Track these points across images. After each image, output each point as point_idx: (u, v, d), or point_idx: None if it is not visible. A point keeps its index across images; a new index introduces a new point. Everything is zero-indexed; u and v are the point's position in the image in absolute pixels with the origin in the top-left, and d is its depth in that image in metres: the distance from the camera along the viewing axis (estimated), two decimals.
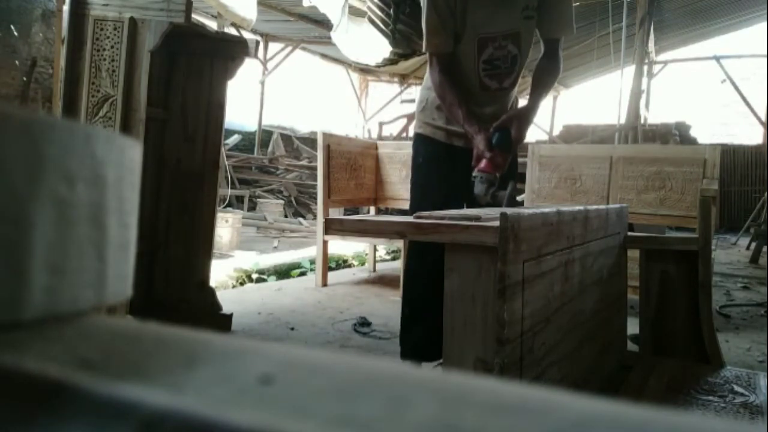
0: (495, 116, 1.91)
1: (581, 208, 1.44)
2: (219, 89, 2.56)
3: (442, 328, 1.88)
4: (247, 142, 10.51)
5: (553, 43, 1.97)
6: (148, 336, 0.22)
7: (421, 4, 1.90)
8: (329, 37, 6.98)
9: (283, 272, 4.15)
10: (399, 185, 4.08)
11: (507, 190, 1.73)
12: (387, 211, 5.23)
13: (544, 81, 1.96)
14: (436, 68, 1.90)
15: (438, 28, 1.86)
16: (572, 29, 1.96)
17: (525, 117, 1.85)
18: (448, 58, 1.91)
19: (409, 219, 1.17)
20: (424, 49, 1.94)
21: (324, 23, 7.48)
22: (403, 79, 11.10)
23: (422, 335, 1.92)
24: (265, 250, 5.02)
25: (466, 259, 1.04)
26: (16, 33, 2.12)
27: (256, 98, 10.12)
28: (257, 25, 6.51)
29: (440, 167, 2.01)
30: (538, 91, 1.94)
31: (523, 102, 2.15)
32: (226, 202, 7.10)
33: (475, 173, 1.80)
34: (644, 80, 8.23)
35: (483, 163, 1.79)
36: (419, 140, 2.10)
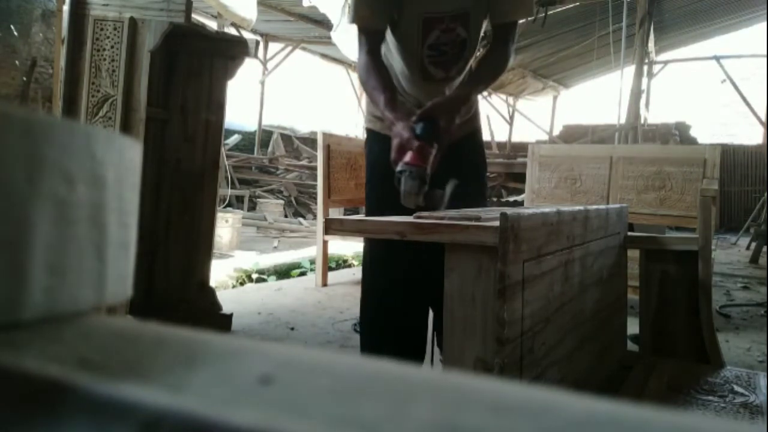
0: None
1: (581, 208, 1.44)
2: (219, 89, 2.56)
3: (417, 334, 1.75)
4: (247, 142, 10.52)
5: (505, 28, 1.65)
6: (148, 336, 0.22)
7: None
8: (329, 37, 6.98)
9: (283, 272, 4.14)
10: None
11: (447, 189, 1.42)
12: None
13: (482, 72, 1.65)
14: (362, 46, 1.62)
15: None
16: (529, 10, 1.71)
17: (451, 106, 1.52)
18: (377, 38, 1.63)
19: (410, 219, 1.17)
20: (348, 21, 1.64)
21: (324, 23, 7.48)
22: None
23: (387, 341, 1.70)
24: (265, 250, 5.02)
25: (466, 259, 1.04)
26: (16, 33, 2.12)
27: (256, 98, 10.13)
28: (257, 25, 6.51)
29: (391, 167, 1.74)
30: (472, 81, 1.63)
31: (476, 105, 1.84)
32: (226, 202, 7.10)
33: (400, 167, 1.44)
34: (644, 80, 8.23)
35: (409, 156, 1.44)
36: (371, 137, 1.84)
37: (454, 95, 1.58)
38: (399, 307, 1.74)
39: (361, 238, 4.02)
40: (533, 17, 1.68)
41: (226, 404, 0.16)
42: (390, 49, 1.71)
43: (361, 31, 1.63)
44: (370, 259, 1.83)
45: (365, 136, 1.90)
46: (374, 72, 1.59)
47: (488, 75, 1.65)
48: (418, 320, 1.78)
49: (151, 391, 0.17)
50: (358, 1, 1.59)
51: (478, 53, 1.79)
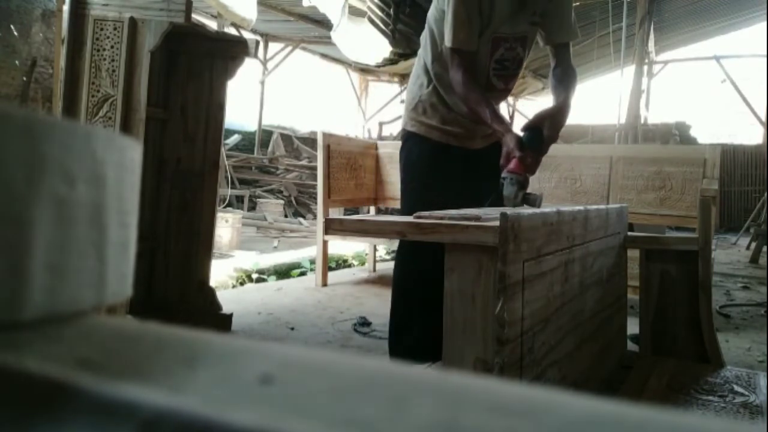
0: None
1: (581, 208, 1.44)
2: (219, 89, 2.56)
3: (436, 331, 1.83)
4: (247, 142, 10.52)
5: (564, 47, 1.94)
6: (148, 336, 0.22)
7: None
8: (329, 37, 6.98)
9: (283, 272, 4.14)
10: (399, 185, 4.07)
11: (540, 193, 1.65)
12: (387, 211, 5.24)
13: (568, 83, 1.88)
14: (459, 66, 1.80)
15: (466, 23, 1.78)
16: (577, 34, 1.98)
17: (558, 116, 1.75)
18: (471, 57, 1.83)
19: (409, 219, 1.17)
20: (447, 44, 1.82)
21: (324, 23, 7.48)
22: (403, 79, 11.09)
23: (417, 339, 1.86)
24: (265, 250, 5.02)
25: (466, 259, 1.04)
26: (16, 33, 2.12)
27: (256, 98, 10.13)
28: (257, 25, 6.52)
29: (437, 167, 1.94)
30: (566, 92, 1.84)
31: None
32: (226, 202, 7.10)
33: (504, 174, 1.67)
34: (644, 80, 8.23)
35: (513, 164, 1.65)
36: (412, 139, 2.01)
37: (556, 106, 1.79)
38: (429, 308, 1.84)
39: (361, 238, 4.02)
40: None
41: (226, 404, 0.16)
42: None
43: (458, 52, 1.81)
44: (407, 248, 1.97)
45: (404, 138, 2.06)
46: (474, 89, 1.78)
47: (573, 84, 1.88)
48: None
49: (151, 391, 0.17)
50: (457, 26, 1.78)
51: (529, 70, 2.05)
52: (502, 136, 1.71)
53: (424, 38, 2.01)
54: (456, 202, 1.71)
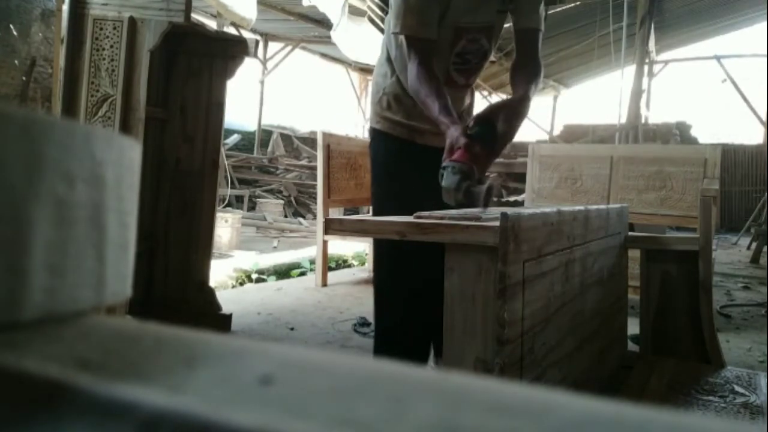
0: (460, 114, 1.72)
1: (582, 208, 1.44)
2: (218, 89, 2.56)
3: (420, 338, 1.77)
4: (246, 142, 10.52)
5: (530, 36, 1.72)
6: (147, 336, 0.22)
7: None
8: (329, 37, 6.98)
9: (283, 272, 4.15)
10: None
11: (485, 185, 1.37)
12: None
13: (528, 74, 1.66)
14: (414, 57, 1.60)
15: (420, 8, 1.58)
16: (542, 25, 1.77)
17: (515, 108, 1.53)
18: (428, 46, 1.62)
19: (410, 219, 1.17)
20: (395, 30, 1.62)
21: (324, 22, 7.48)
22: None
23: (405, 342, 1.72)
24: (264, 250, 5.02)
25: (466, 259, 1.04)
26: (15, 32, 2.12)
27: (256, 98, 10.13)
28: (257, 24, 6.51)
29: (402, 168, 1.77)
30: (526, 85, 1.62)
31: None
32: (226, 202, 7.10)
33: (445, 163, 1.41)
34: (645, 80, 8.23)
35: (457, 153, 1.41)
36: (378, 137, 1.84)
37: (514, 98, 1.59)
38: (413, 314, 1.74)
39: (361, 238, 4.03)
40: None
41: (226, 404, 0.16)
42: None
43: (410, 40, 1.62)
44: (383, 264, 1.83)
45: (370, 136, 1.90)
46: (427, 81, 1.57)
47: (537, 75, 1.66)
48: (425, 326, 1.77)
49: (151, 391, 0.17)
50: (405, 11, 1.59)
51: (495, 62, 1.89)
52: (447, 129, 1.46)
53: (387, 23, 1.81)
54: (425, 202, 1.49)
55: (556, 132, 12.15)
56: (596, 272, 1.53)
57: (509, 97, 1.64)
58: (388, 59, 1.82)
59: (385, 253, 1.79)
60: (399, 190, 1.73)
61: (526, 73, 1.65)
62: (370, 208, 1.98)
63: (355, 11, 6.89)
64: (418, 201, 1.46)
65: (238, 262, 4.07)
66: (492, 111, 1.49)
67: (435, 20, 1.62)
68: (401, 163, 1.77)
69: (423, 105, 1.61)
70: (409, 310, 1.73)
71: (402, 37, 1.64)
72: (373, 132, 1.87)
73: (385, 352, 1.76)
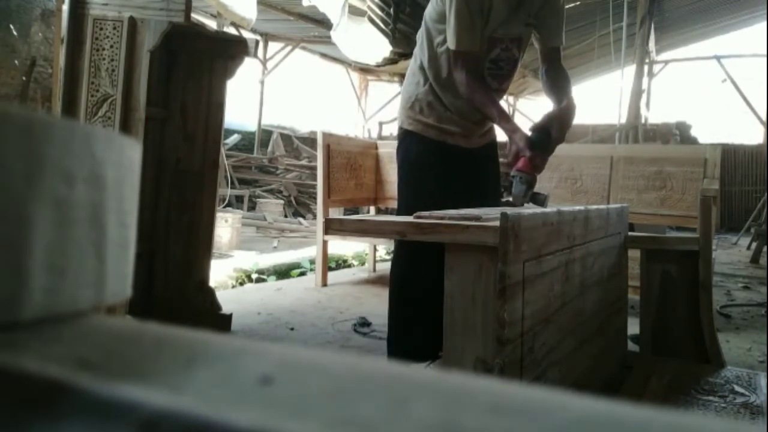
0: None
1: (582, 208, 1.44)
2: (218, 89, 2.56)
3: (436, 331, 1.84)
4: (246, 142, 10.52)
5: (556, 50, 1.99)
6: (147, 336, 0.22)
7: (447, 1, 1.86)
8: (329, 37, 6.98)
9: (283, 272, 4.14)
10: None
11: (546, 193, 1.71)
12: (387, 211, 5.23)
13: (565, 84, 1.91)
14: (462, 68, 1.84)
15: (470, 26, 1.81)
16: (563, 40, 2.03)
17: (565, 117, 1.78)
18: (474, 58, 1.86)
19: (409, 219, 1.17)
20: (451, 46, 1.84)
21: (324, 22, 7.48)
22: (403, 78, 11.08)
23: (417, 342, 1.86)
24: (264, 250, 5.02)
25: (466, 259, 1.04)
26: (15, 32, 2.12)
27: (256, 98, 10.12)
28: (257, 24, 6.51)
29: (434, 165, 1.95)
30: (566, 95, 1.86)
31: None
32: (226, 201, 7.10)
33: (513, 173, 1.73)
34: (645, 80, 8.23)
35: (521, 162, 1.71)
36: (409, 138, 2.02)
37: (563, 108, 1.81)
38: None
39: (361, 238, 4.02)
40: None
41: (226, 404, 0.16)
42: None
43: (462, 54, 1.83)
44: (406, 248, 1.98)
45: (400, 137, 2.07)
46: (480, 89, 1.84)
47: (569, 86, 1.91)
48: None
49: (151, 391, 0.17)
50: (461, 29, 1.80)
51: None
52: (512, 135, 1.75)
53: (420, 36, 2.02)
54: (453, 200, 1.72)
55: None
56: (596, 272, 1.53)
57: (558, 107, 1.84)
58: (421, 68, 2.01)
59: (407, 243, 1.90)
60: (431, 185, 1.92)
61: (561, 85, 1.89)
62: (394, 206, 2.22)
63: (355, 11, 6.89)
64: (449, 195, 1.79)
65: (238, 262, 4.07)
66: (547, 120, 1.75)
67: (479, 36, 1.85)
68: (433, 160, 1.95)
69: (480, 111, 1.87)
70: (426, 303, 1.81)
71: (451, 51, 1.85)
72: (405, 133, 2.04)
73: (401, 343, 1.93)
